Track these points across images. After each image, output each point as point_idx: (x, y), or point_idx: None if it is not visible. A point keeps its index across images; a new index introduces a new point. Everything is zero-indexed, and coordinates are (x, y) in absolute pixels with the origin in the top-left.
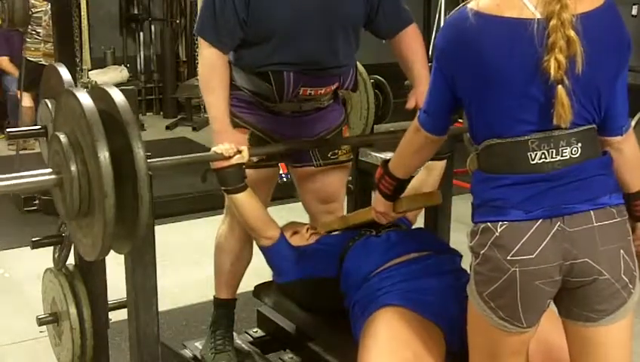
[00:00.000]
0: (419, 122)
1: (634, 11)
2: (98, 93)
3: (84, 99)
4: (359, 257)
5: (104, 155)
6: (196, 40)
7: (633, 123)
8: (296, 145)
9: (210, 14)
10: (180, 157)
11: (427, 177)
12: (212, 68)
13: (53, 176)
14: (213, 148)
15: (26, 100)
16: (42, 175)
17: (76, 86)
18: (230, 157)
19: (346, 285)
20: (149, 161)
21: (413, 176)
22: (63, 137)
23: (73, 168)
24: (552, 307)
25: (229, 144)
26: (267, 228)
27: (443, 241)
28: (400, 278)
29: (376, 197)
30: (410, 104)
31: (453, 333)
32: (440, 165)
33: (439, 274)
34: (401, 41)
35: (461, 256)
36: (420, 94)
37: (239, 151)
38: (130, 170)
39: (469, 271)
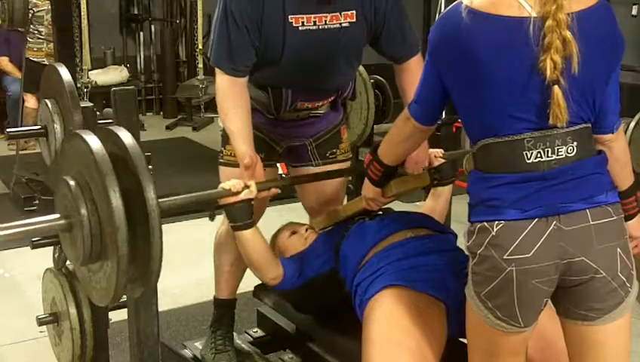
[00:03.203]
0: (409, 112)
1: (634, 11)
2: (105, 135)
3: (92, 140)
4: (356, 241)
5: (114, 190)
6: (196, 40)
7: (633, 123)
8: (303, 180)
9: (224, 44)
10: (189, 195)
11: (435, 204)
12: (226, 95)
13: (62, 221)
14: (221, 185)
15: (30, 101)
16: (51, 220)
17: (76, 86)
18: (238, 193)
19: (345, 269)
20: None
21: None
22: (70, 180)
23: (83, 211)
24: (550, 303)
25: (236, 180)
26: (271, 268)
27: (438, 222)
28: (398, 256)
29: (365, 183)
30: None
31: (454, 308)
32: (447, 190)
33: (437, 251)
34: (402, 72)
35: (456, 236)
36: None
37: (247, 187)
38: (141, 210)
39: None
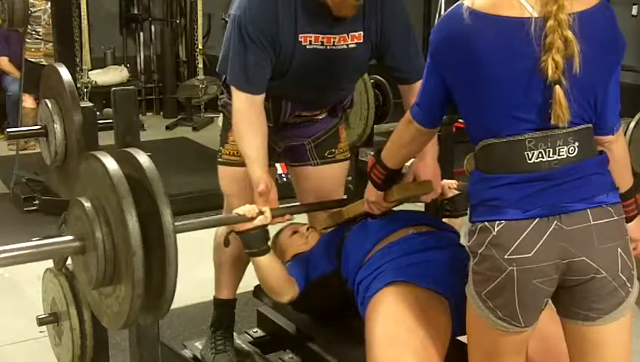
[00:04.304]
0: (411, 114)
1: (634, 11)
2: (121, 156)
3: (108, 162)
4: (357, 239)
5: (131, 213)
6: (196, 40)
7: (633, 123)
8: (314, 208)
9: (241, 63)
10: (204, 219)
11: None
12: (243, 117)
13: (76, 243)
14: (235, 210)
15: (28, 101)
16: (64, 242)
17: (76, 86)
18: (253, 219)
19: (347, 268)
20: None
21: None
22: (85, 202)
23: (98, 233)
24: (550, 302)
25: (250, 206)
26: (287, 291)
27: (440, 220)
28: (400, 253)
29: (367, 186)
30: (407, 179)
31: (457, 304)
32: (458, 221)
33: (439, 248)
34: (408, 92)
35: (458, 234)
36: (422, 168)
37: (262, 213)
38: (156, 234)
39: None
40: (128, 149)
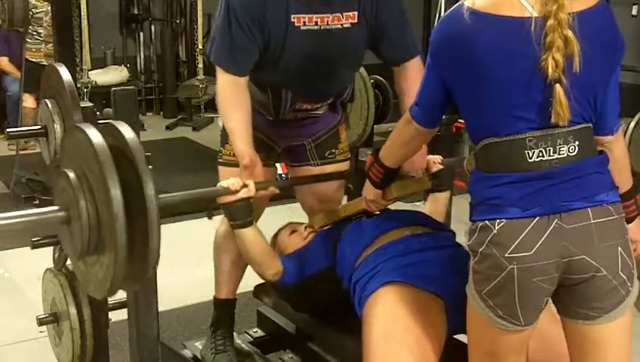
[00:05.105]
0: (410, 114)
1: (634, 11)
2: (105, 129)
3: (91, 132)
4: (353, 238)
5: (112, 179)
6: (196, 40)
7: (633, 123)
8: (303, 181)
9: (226, 43)
10: (188, 192)
11: (433, 209)
12: (226, 95)
13: (61, 213)
14: (220, 184)
15: (28, 101)
16: (50, 212)
17: (76, 86)
18: (237, 191)
19: (343, 267)
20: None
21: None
22: (69, 172)
23: (82, 202)
24: (550, 303)
25: (234, 178)
26: (271, 264)
27: (435, 220)
28: (395, 253)
29: (365, 185)
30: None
31: (453, 304)
32: (443, 196)
33: (435, 248)
34: (401, 72)
35: (454, 234)
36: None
37: (246, 185)
38: (139, 206)
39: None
40: (111, 122)
